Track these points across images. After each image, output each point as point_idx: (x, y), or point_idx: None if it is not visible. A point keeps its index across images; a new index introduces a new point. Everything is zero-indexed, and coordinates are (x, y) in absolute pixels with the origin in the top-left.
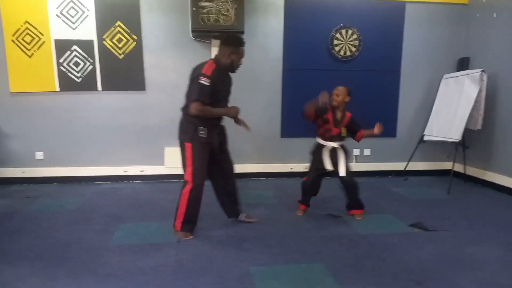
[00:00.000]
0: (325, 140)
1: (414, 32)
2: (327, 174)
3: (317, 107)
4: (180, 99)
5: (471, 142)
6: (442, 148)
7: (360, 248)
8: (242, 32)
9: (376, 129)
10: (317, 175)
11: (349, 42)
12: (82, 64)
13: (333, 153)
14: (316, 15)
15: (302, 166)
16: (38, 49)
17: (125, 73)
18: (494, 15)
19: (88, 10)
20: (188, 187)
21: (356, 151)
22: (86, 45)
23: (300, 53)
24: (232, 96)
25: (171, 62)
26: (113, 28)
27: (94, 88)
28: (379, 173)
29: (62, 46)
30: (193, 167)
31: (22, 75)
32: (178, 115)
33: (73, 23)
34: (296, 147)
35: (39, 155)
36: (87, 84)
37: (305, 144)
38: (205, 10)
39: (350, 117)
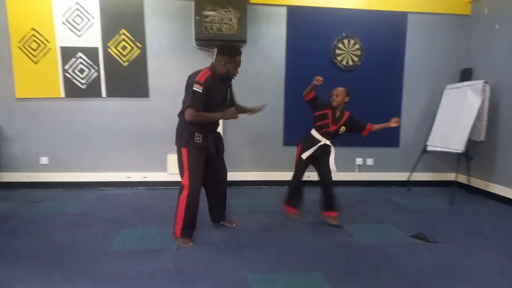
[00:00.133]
0: (319, 134)
1: (417, 43)
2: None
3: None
4: None
5: (475, 153)
6: (445, 159)
7: (358, 257)
8: (245, 41)
9: (393, 123)
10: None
11: (352, 52)
12: (87, 71)
13: (322, 149)
14: (318, 25)
15: (305, 175)
16: (44, 55)
17: (129, 80)
18: (496, 27)
19: (93, 18)
20: (185, 192)
21: (359, 161)
22: (91, 52)
23: (302, 62)
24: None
25: (174, 69)
26: (117, 36)
27: (99, 94)
28: (382, 183)
29: (68, 53)
30: (189, 171)
31: (28, 81)
32: None
33: (79, 30)
34: None
35: (44, 160)
36: (92, 90)
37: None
38: (208, 19)
39: (348, 116)
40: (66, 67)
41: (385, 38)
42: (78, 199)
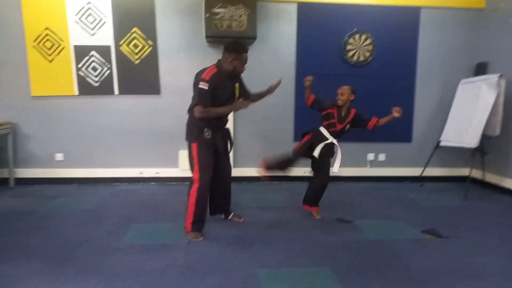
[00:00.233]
0: (327, 132)
1: (430, 37)
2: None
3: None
4: None
5: (490, 148)
6: (459, 154)
7: (368, 254)
8: (255, 38)
9: (395, 113)
10: (305, 153)
11: (363, 47)
12: (99, 69)
13: (328, 147)
14: (329, 21)
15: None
16: (58, 54)
17: (140, 77)
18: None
19: (105, 16)
20: (195, 186)
21: (370, 156)
22: (103, 51)
23: (313, 58)
24: None
25: (185, 66)
26: (129, 34)
27: (111, 92)
28: (394, 178)
29: (81, 52)
30: (199, 166)
31: (43, 80)
32: None
33: (91, 29)
34: None
35: (59, 156)
36: (105, 88)
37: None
38: (218, 17)
39: (355, 113)
40: (79, 66)
41: (397, 33)
42: (92, 195)
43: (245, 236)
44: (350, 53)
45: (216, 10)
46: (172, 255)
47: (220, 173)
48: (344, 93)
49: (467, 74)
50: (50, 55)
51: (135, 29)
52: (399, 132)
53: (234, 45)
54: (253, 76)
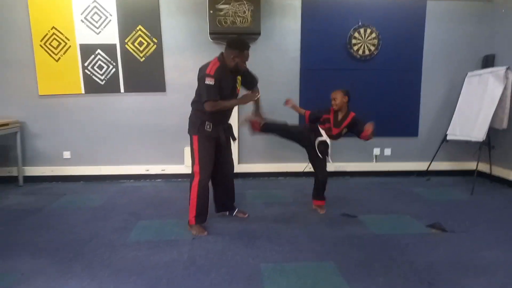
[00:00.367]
0: (325, 133)
1: (436, 30)
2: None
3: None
4: None
5: (497, 142)
6: (466, 148)
7: (373, 248)
8: (259, 34)
9: (365, 132)
10: (291, 136)
11: (368, 41)
12: (105, 67)
13: (324, 145)
14: (334, 15)
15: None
16: (64, 53)
17: (146, 75)
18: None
19: (110, 15)
20: (196, 179)
21: (376, 151)
22: (109, 49)
23: (317, 53)
24: None
25: (190, 63)
26: (134, 32)
27: (117, 90)
28: (401, 173)
29: (87, 50)
30: (200, 158)
31: (50, 79)
32: None
33: (97, 28)
34: None
35: (67, 154)
36: (110, 86)
37: None
38: (222, 13)
39: (353, 117)
40: (85, 64)
41: (403, 26)
42: (99, 192)
43: (250, 231)
44: (355, 47)
45: (220, 6)
46: (177, 251)
47: (222, 169)
48: (336, 98)
49: (474, 67)
50: (56, 54)
51: (139, 27)
52: (405, 126)
53: (237, 41)
54: (257, 72)
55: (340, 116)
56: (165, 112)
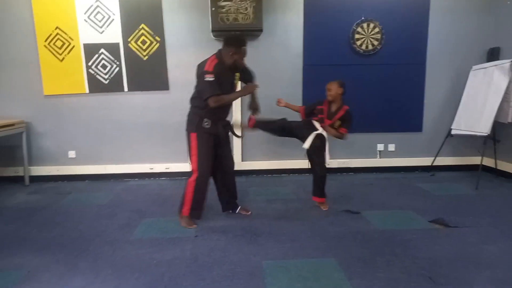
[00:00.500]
0: (319, 125)
1: (440, 23)
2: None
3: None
4: None
5: (502, 136)
6: (471, 142)
7: (375, 244)
8: (261, 30)
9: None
10: (288, 131)
11: (371, 36)
12: (109, 66)
13: (320, 139)
14: (336, 10)
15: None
16: (68, 53)
17: (149, 73)
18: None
19: (113, 14)
20: (194, 176)
21: (380, 147)
22: (112, 48)
23: (320, 49)
24: None
25: (193, 61)
26: (137, 31)
27: (121, 89)
28: (405, 168)
29: (91, 50)
30: (198, 156)
31: (54, 79)
32: None
33: (100, 27)
34: None
35: (72, 154)
36: (114, 85)
37: (328, 140)
38: (224, 10)
39: (346, 111)
40: (89, 64)
41: (406, 20)
42: (104, 190)
43: (252, 228)
44: (359, 42)
45: (222, 3)
46: (180, 248)
47: (222, 166)
48: (331, 88)
49: (479, 60)
50: (61, 54)
51: (142, 25)
52: (409, 121)
53: (234, 39)
54: (260, 68)
55: (333, 108)
56: (169, 110)
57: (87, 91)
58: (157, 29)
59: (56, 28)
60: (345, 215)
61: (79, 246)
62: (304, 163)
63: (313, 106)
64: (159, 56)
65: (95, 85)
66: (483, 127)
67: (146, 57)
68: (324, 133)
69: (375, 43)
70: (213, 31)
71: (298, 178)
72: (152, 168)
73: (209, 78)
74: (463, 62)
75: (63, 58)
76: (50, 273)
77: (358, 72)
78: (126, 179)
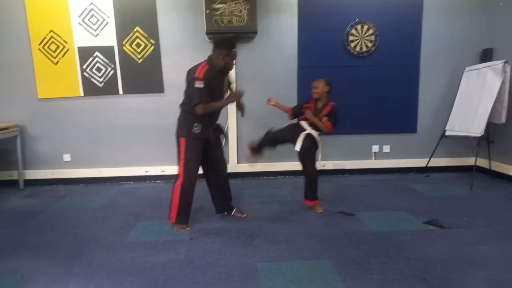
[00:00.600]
0: (307, 124)
1: (433, 24)
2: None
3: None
4: None
5: (496, 137)
6: (465, 143)
7: (369, 245)
8: (256, 32)
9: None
10: (280, 139)
11: (365, 38)
12: (104, 69)
13: (310, 140)
14: (331, 12)
15: (320, 164)
16: (63, 56)
17: (144, 76)
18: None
19: (108, 17)
20: (180, 180)
21: (375, 148)
22: (107, 51)
23: (315, 51)
24: (247, 95)
25: (188, 64)
26: (132, 34)
27: (116, 92)
28: (399, 170)
29: (85, 53)
30: (185, 160)
31: (49, 82)
32: None
33: (95, 30)
34: None
35: (67, 157)
36: (109, 88)
37: (322, 142)
38: (218, 12)
39: (332, 106)
40: (84, 67)
41: (400, 21)
42: (99, 194)
43: (247, 230)
44: (353, 44)
45: (216, 6)
46: (175, 251)
47: (214, 169)
48: (317, 86)
49: (472, 61)
50: (55, 57)
51: (137, 28)
52: (404, 122)
53: (225, 41)
54: (255, 70)
55: (320, 105)
56: (164, 113)
57: (82, 94)
58: (152, 31)
59: (50, 31)
60: (340, 217)
61: (73, 250)
62: (300, 165)
63: (300, 106)
64: (154, 59)
65: (90, 88)
66: (477, 128)
67: (141, 60)
68: (313, 132)
69: (369, 44)
70: (207, 33)
71: (294, 180)
72: (147, 171)
73: (199, 85)
74: (457, 63)
75: (58, 61)
76: (45, 277)
77: (353, 74)
78: (122, 182)
